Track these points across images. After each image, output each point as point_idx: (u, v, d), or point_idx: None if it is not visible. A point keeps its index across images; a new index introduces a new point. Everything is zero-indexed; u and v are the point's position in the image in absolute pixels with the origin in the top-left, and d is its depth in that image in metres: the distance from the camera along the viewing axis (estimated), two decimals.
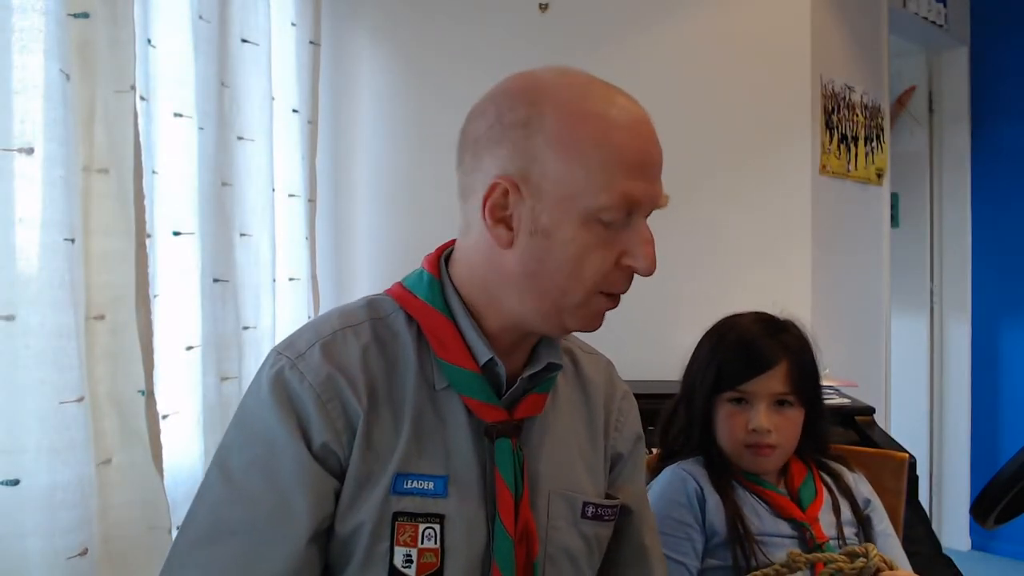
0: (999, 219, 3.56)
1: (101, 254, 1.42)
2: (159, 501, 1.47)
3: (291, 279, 2.16)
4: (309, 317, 2.18)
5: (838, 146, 2.63)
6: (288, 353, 0.83)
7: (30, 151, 1.25)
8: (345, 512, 0.80)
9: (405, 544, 0.80)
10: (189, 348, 1.74)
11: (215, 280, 1.79)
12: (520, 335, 0.87)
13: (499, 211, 0.81)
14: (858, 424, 2.06)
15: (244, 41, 1.93)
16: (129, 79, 1.43)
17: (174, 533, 1.46)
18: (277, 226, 2.04)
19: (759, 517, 1.19)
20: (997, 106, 3.57)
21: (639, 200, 0.80)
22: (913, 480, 1.61)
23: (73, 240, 1.31)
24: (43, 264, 1.27)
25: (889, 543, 1.24)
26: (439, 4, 2.57)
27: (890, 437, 2.04)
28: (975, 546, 3.59)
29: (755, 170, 2.50)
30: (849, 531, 1.21)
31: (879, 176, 2.87)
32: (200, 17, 1.76)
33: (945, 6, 3.41)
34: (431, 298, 0.87)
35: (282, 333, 1.96)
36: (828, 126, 2.58)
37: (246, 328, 1.92)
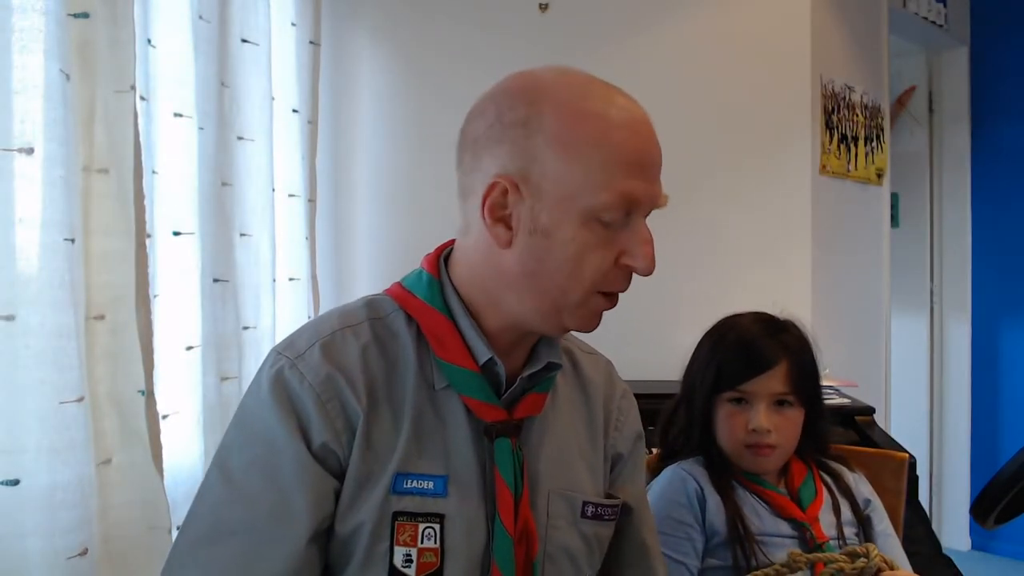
0: (999, 219, 3.56)
1: (101, 254, 1.42)
2: (159, 501, 1.47)
3: (291, 279, 2.16)
4: (309, 317, 2.18)
5: (838, 146, 2.63)
6: (288, 353, 0.83)
7: (30, 151, 1.25)
8: (345, 512, 0.80)
9: (405, 544, 0.80)
10: (189, 348, 1.74)
11: (215, 280, 1.79)
12: (519, 335, 0.87)
13: (498, 210, 0.81)
14: (858, 424, 2.06)
15: (244, 41, 1.93)
16: (129, 79, 1.43)
17: (174, 533, 1.46)
18: (277, 226, 2.03)
19: (759, 517, 1.19)
20: (997, 106, 3.57)
21: (638, 200, 0.80)
22: (913, 480, 1.61)
23: (73, 240, 1.31)
24: (43, 264, 1.27)
25: (889, 543, 1.24)
26: (439, 4, 2.57)
27: (890, 437, 2.04)
28: (975, 546, 3.58)
29: (755, 170, 2.50)
30: (849, 531, 1.21)
31: (879, 176, 2.87)
32: (200, 17, 1.76)
33: (945, 6, 3.41)
34: (430, 298, 0.87)
35: (282, 333, 1.96)
36: (828, 126, 2.58)
37: (246, 328, 1.92)
